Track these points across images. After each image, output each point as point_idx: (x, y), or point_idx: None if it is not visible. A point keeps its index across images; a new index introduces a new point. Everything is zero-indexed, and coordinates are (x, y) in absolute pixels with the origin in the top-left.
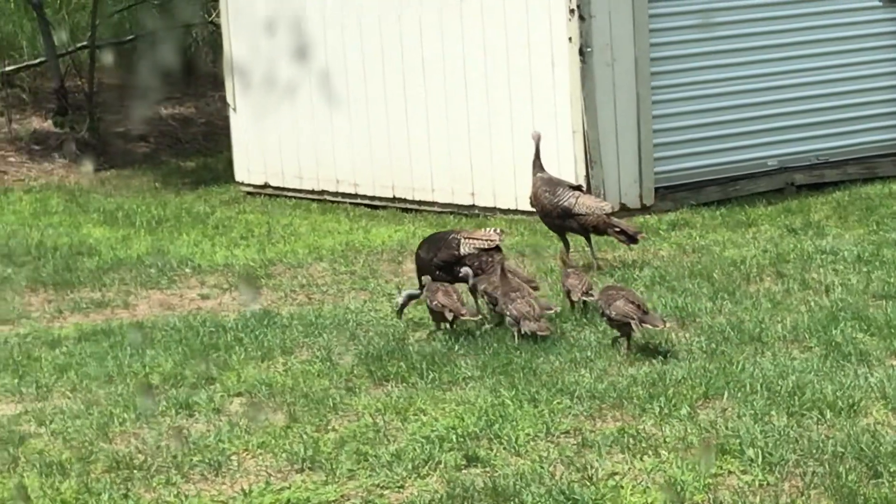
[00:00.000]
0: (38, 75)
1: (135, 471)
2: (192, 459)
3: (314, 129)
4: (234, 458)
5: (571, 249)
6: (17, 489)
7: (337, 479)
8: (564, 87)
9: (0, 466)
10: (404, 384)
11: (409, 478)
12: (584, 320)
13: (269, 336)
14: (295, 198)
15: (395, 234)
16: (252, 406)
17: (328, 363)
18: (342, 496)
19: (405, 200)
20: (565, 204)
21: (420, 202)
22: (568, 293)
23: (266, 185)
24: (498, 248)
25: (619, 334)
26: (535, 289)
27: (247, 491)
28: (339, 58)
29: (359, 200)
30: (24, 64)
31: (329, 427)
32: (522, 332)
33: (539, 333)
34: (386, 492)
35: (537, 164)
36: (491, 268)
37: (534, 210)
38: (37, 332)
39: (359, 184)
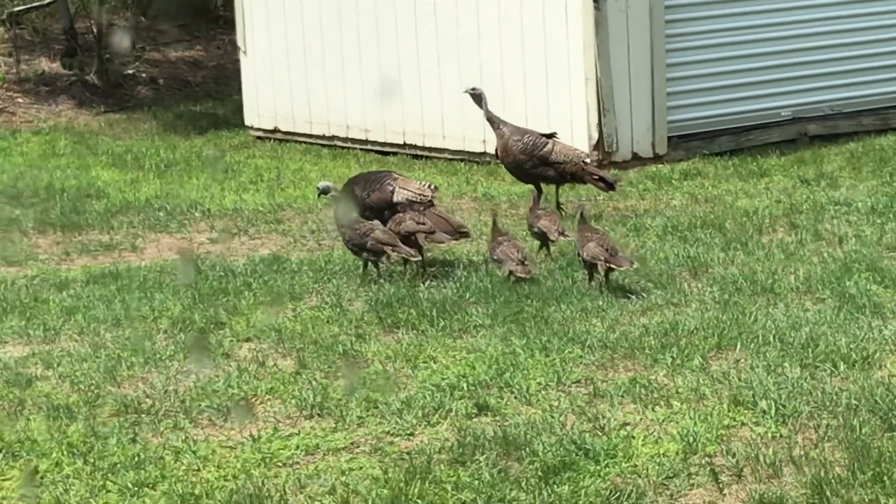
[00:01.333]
0: (46, 16)
1: (142, 415)
2: (200, 404)
3: (325, 73)
4: (241, 402)
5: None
6: (24, 432)
7: (346, 426)
8: (578, 33)
9: (7, 409)
10: (415, 331)
11: (419, 425)
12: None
13: (278, 281)
14: (305, 143)
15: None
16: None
17: (338, 309)
18: (351, 443)
19: (416, 147)
20: (542, 152)
21: (430, 149)
22: (543, 234)
23: (276, 130)
24: (431, 203)
25: (588, 273)
26: (466, 235)
27: (255, 437)
28: (351, 2)
29: (369, 147)
30: (34, 4)
31: (338, 374)
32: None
33: (520, 275)
34: (396, 439)
35: (493, 117)
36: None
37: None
38: (44, 274)
39: (369, 129)
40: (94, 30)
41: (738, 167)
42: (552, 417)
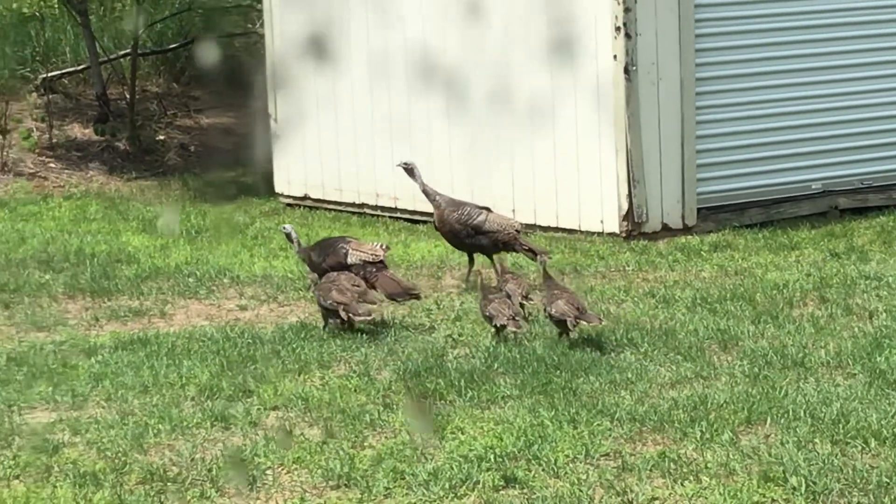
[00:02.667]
0: (80, 82)
1: (169, 483)
2: (227, 473)
3: (355, 141)
4: (269, 472)
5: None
6: (50, 499)
7: (373, 497)
8: (608, 104)
9: (34, 475)
10: (442, 401)
11: (446, 497)
12: (625, 341)
13: (306, 349)
14: (335, 210)
15: (434, 249)
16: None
17: (366, 378)
18: None
19: None
20: (475, 222)
21: None
22: (509, 297)
23: (306, 197)
24: (383, 263)
25: (558, 330)
26: (416, 297)
27: None
28: (380, 72)
29: (398, 214)
30: (67, 70)
31: (365, 443)
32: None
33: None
34: None
35: (429, 191)
36: (375, 278)
37: (573, 228)
38: (73, 339)
39: (399, 197)
40: (127, 96)
41: (768, 240)
42: (580, 491)
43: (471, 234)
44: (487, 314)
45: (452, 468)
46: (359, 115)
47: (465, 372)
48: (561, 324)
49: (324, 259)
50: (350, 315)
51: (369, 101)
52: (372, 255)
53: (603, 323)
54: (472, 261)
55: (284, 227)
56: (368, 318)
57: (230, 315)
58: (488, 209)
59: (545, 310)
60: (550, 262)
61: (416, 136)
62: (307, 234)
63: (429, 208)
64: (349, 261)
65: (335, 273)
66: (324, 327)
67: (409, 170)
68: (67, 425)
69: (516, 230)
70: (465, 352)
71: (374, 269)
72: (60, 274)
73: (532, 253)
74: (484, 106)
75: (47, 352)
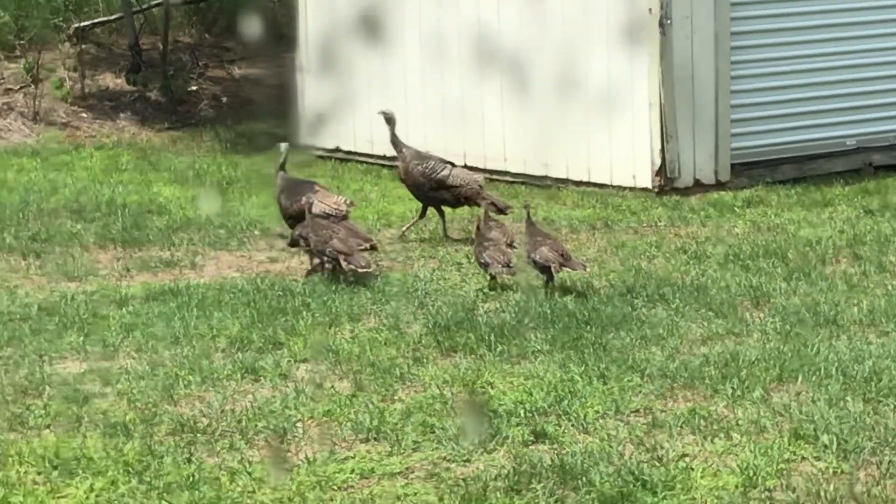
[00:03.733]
0: (112, 31)
1: (198, 434)
2: (256, 425)
3: (387, 93)
4: (298, 424)
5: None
6: (80, 449)
7: (402, 451)
8: (642, 59)
9: (64, 426)
10: (472, 356)
11: (476, 452)
12: (656, 297)
13: (336, 302)
14: (365, 163)
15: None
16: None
17: (396, 332)
18: (407, 468)
19: (477, 169)
20: (439, 176)
21: (492, 171)
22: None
23: (337, 150)
24: (346, 217)
25: (543, 277)
26: (373, 248)
27: (311, 459)
28: (413, 21)
29: None
30: (99, 20)
31: (395, 397)
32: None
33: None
34: (452, 465)
35: (398, 141)
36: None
37: (606, 183)
38: (104, 289)
39: (431, 150)
40: (159, 46)
41: (801, 196)
42: (610, 447)
43: (434, 188)
44: (483, 261)
45: (483, 423)
46: (390, 65)
47: (495, 326)
48: (545, 270)
49: (291, 203)
50: (352, 266)
51: (402, 52)
52: (335, 209)
53: (587, 270)
54: (423, 215)
55: (280, 146)
56: (369, 269)
57: (260, 267)
58: (453, 164)
59: (529, 256)
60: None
61: (448, 84)
62: (338, 187)
63: (460, 161)
64: (314, 211)
65: (324, 220)
66: (311, 273)
67: (389, 118)
68: (98, 376)
69: (479, 185)
70: (495, 306)
71: (335, 221)
72: (92, 224)
73: (495, 207)
74: (518, 57)
75: (78, 302)
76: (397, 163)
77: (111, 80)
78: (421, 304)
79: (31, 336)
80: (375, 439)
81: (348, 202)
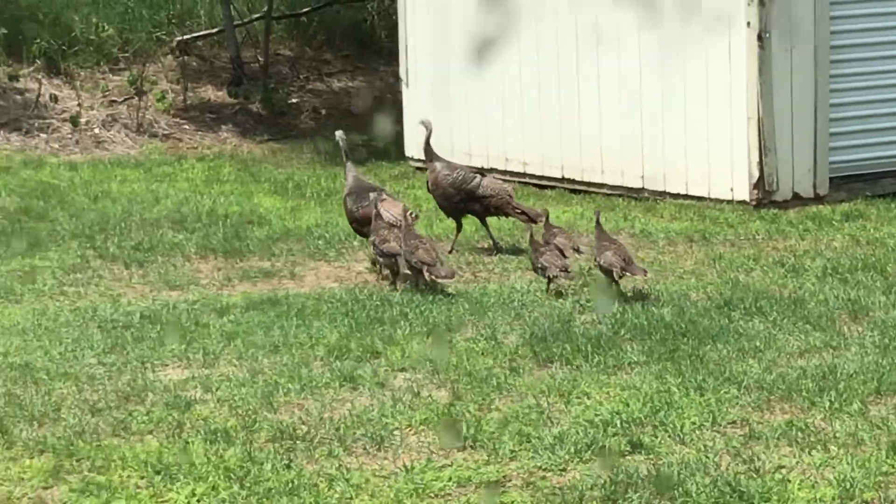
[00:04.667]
0: (214, 45)
1: (298, 441)
2: (354, 433)
3: (485, 106)
4: (396, 433)
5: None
6: (182, 454)
7: (499, 460)
8: (741, 72)
9: (166, 431)
10: (568, 366)
11: (572, 461)
12: (754, 309)
13: (434, 312)
14: None
15: (562, 215)
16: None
17: (493, 342)
18: (504, 476)
19: (573, 181)
20: (470, 186)
21: (589, 183)
22: (562, 251)
23: None
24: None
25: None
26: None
27: (408, 467)
28: (513, 36)
29: (527, 179)
30: (201, 33)
31: (492, 406)
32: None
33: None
34: (548, 474)
35: (430, 150)
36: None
37: (702, 196)
38: (205, 298)
39: (528, 162)
40: (260, 59)
41: None
42: (707, 458)
43: (464, 199)
44: (539, 265)
45: (578, 432)
46: (488, 79)
47: (591, 337)
48: (608, 273)
49: (357, 208)
50: (433, 277)
51: (499, 66)
52: (398, 219)
53: (647, 275)
54: (459, 226)
55: (338, 134)
56: (450, 279)
57: (359, 277)
58: (482, 173)
59: (595, 259)
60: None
61: (546, 97)
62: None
63: (558, 173)
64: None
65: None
66: (392, 281)
67: (426, 127)
68: (199, 383)
69: (509, 194)
70: (591, 317)
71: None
72: (193, 234)
73: (526, 216)
74: (615, 71)
75: (180, 310)
76: (427, 173)
77: (212, 93)
78: (517, 315)
79: (133, 343)
80: (472, 447)
81: (414, 214)
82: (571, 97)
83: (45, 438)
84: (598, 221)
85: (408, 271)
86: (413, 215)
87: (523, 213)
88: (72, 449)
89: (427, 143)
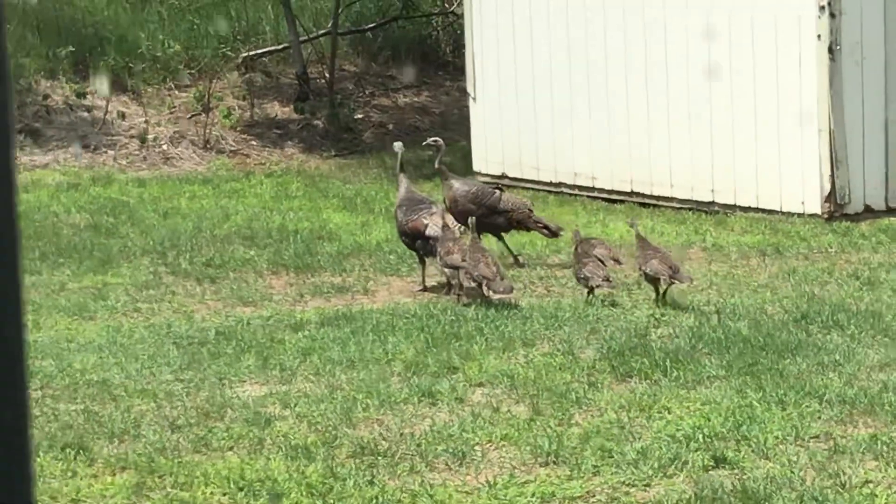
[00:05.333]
0: (279, 61)
1: (379, 457)
2: (436, 448)
3: (553, 120)
4: (477, 448)
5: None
6: (264, 471)
7: (581, 475)
8: (811, 84)
9: (247, 447)
10: (647, 381)
11: (656, 476)
12: (831, 323)
13: (509, 327)
14: (531, 189)
15: (633, 229)
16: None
17: (570, 356)
18: (587, 492)
19: (642, 195)
20: (490, 201)
21: (658, 197)
22: (601, 260)
23: (503, 176)
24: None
25: (653, 287)
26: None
27: (491, 482)
28: (581, 51)
29: (595, 194)
30: (267, 49)
31: (572, 421)
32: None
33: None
34: (632, 490)
35: (444, 170)
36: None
37: (773, 209)
38: (279, 314)
39: (596, 177)
40: (326, 75)
41: None
42: (791, 472)
43: (485, 214)
44: (582, 276)
45: (661, 448)
46: (557, 93)
47: (669, 351)
48: (654, 281)
49: (407, 221)
50: (491, 291)
51: (568, 80)
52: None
53: (694, 282)
54: (502, 241)
55: (396, 145)
56: (508, 294)
57: (432, 292)
58: (500, 188)
59: (640, 268)
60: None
61: (614, 111)
62: None
63: (627, 187)
64: (427, 233)
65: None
66: (451, 291)
67: (437, 147)
68: (277, 399)
69: (529, 208)
70: (668, 331)
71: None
72: (264, 250)
73: (548, 230)
74: (684, 85)
75: (254, 326)
76: (444, 191)
77: (278, 109)
78: (593, 329)
79: (209, 360)
80: (555, 463)
81: (461, 228)
82: (640, 111)
83: (127, 455)
84: (637, 232)
85: (470, 284)
86: (461, 228)
87: (544, 226)
88: (153, 465)
89: (440, 160)
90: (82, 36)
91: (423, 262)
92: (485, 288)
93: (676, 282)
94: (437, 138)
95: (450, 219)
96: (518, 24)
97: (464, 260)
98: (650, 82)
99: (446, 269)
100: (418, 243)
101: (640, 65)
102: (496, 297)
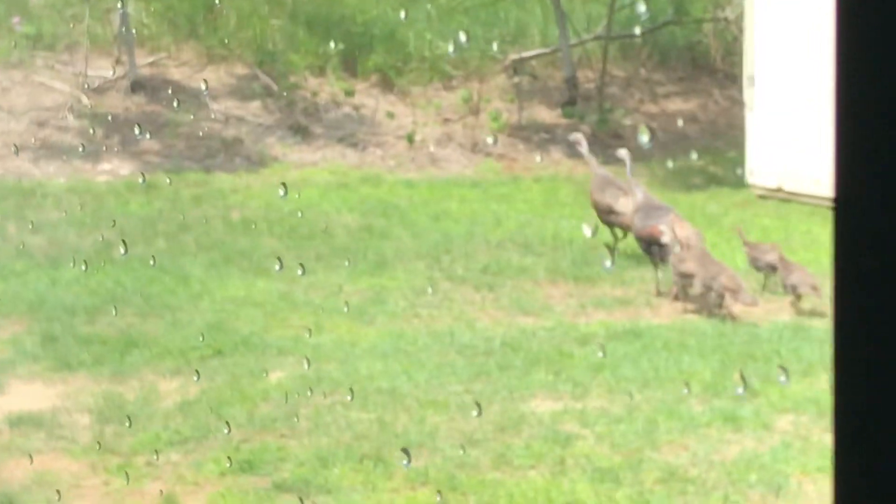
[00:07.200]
0: (547, 64)
1: (688, 484)
2: (748, 477)
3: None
4: (792, 479)
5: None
6: (570, 494)
7: None
8: None
9: (549, 466)
10: None
11: None
12: None
13: (805, 349)
14: (810, 203)
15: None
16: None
17: None
18: None
19: None
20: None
21: None
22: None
23: (779, 189)
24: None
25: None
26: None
27: None
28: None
29: None
30: (535, 53)
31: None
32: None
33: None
34: None
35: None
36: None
37: None
38: (562, 326)
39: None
40: (594, 80)
41: None
42: None
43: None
44: (790, 284)
45: None
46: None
47: None
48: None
49: (644, 226)
50: (741, 303)
51: None
52: (684, 240)
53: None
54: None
55: (574, 137)
56: (754, 306)
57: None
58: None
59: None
60: None
61: None
62: (783, 228)
63: None
64: (663, 240)
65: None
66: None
67: (577, 143)
68: (573, 416)
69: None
70: None
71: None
72: (540, 258)
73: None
74: None
75: (540, 338)
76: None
77: (545, 113)
78: None
79: (498, 371)
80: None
81: (700, 235)
82: None
83: (427, 470)
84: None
85: (702, 294)
86: (700, 235)
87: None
88: (454, 482)
89: (588, 155)
90: (351, 34)
91: (657, 268)
92: (729, 300)
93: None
94: (577, 134)
95: (686, 227)
96: (800, 32)
97: (697, 267)
98: None
99: (676, 278)
100: (653, 249)
101: None
102: (744, 308)
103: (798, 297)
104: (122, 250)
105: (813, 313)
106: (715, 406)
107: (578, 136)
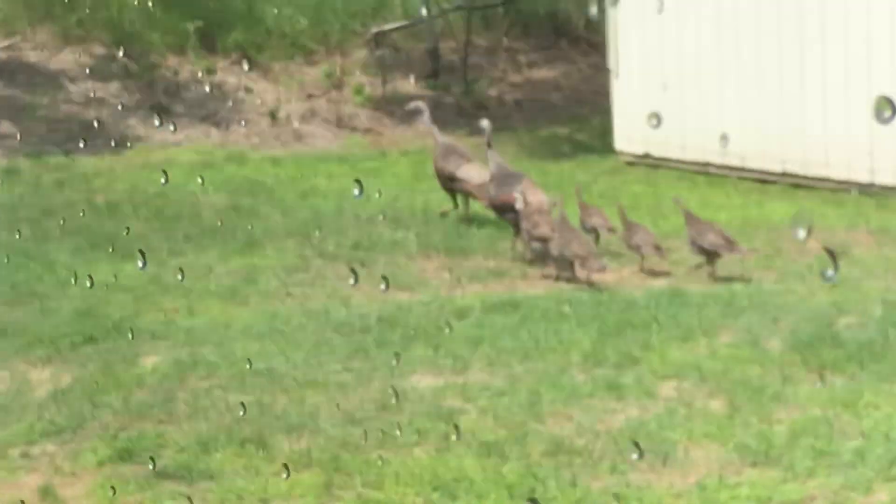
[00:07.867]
0: (409, 36)
1: (575, 456)
2: (634, 446)
3: (700, 98)
4: (679, 446)
5: None
6: (458, 470)
7: (796, 477)
8: None
9: (434, 443)
10: (843, 375)
11: (877, 479)
12: None
13: (685, 315)
14: (677, 169)
15: (791, 210)
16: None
17: (755, 348)
18: (806, 496)
19: (795, 175)
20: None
21: (812, 178)
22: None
23: (647, 155)
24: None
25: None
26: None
27: (702, 484)
28: (730, 24)
29: (745, 174)
30: (396, 25)
31: (774, 418)
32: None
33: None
34: (853, 494)
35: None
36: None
37: None
38: (438, 300)
39: (746, 156)
40: (457, 50)
41: None
42: None
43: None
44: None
45: (877, 448)
46: (704, 71)
47: (861, 343)
48: (712, 255)
49: (496, 193)
50: (588, 272)
51: (717, 57)
52: (538, 206)
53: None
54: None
55: (415, 104)
56: (602, 272)
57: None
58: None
59: (694, 243)
60: None
61: (767, 92)
62: (654, 194)
63: (776, 167)
64: (517, 206)
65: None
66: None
67: (417, 112)
68: (455, 391)
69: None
70: (854, 320)
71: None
72: (411, 232)
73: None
74: (841, 60)
75: (417, 313)
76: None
77: (409, 86)
78: (774, 318)
79: (377, 348)
80: (764, 463)
81: (553, 202)
82: (793, 87)
83: (310, 451)
84: (685, 209)
85: (556, 258)
86: (553, 202)
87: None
88: (339, 463)
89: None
90: (209, 11)
91: (518, 234)
92: (577, 267)
93: (736, 254)
94: (417, 103)
95: (539, 193)
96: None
97: (553, 232)
98: (805, 59)
99: (532, 243)
100: (509, 216)
101: (795, 41)
102: (594, 276)
103: (642, 257)
104: None
105: (655, 272)
106: (597, 375)
107: (420, 105)
